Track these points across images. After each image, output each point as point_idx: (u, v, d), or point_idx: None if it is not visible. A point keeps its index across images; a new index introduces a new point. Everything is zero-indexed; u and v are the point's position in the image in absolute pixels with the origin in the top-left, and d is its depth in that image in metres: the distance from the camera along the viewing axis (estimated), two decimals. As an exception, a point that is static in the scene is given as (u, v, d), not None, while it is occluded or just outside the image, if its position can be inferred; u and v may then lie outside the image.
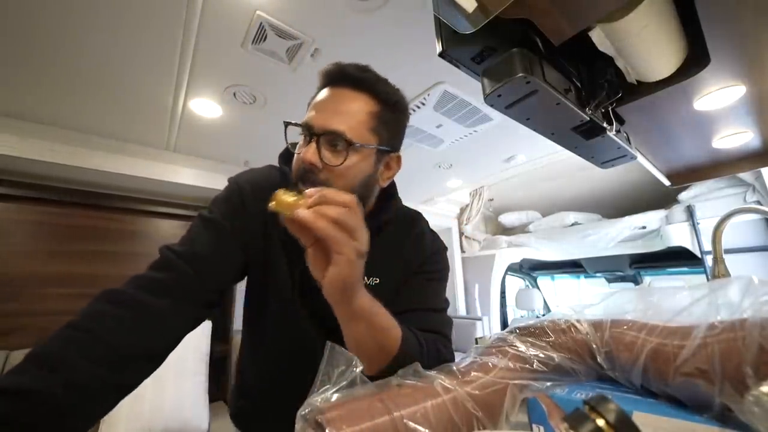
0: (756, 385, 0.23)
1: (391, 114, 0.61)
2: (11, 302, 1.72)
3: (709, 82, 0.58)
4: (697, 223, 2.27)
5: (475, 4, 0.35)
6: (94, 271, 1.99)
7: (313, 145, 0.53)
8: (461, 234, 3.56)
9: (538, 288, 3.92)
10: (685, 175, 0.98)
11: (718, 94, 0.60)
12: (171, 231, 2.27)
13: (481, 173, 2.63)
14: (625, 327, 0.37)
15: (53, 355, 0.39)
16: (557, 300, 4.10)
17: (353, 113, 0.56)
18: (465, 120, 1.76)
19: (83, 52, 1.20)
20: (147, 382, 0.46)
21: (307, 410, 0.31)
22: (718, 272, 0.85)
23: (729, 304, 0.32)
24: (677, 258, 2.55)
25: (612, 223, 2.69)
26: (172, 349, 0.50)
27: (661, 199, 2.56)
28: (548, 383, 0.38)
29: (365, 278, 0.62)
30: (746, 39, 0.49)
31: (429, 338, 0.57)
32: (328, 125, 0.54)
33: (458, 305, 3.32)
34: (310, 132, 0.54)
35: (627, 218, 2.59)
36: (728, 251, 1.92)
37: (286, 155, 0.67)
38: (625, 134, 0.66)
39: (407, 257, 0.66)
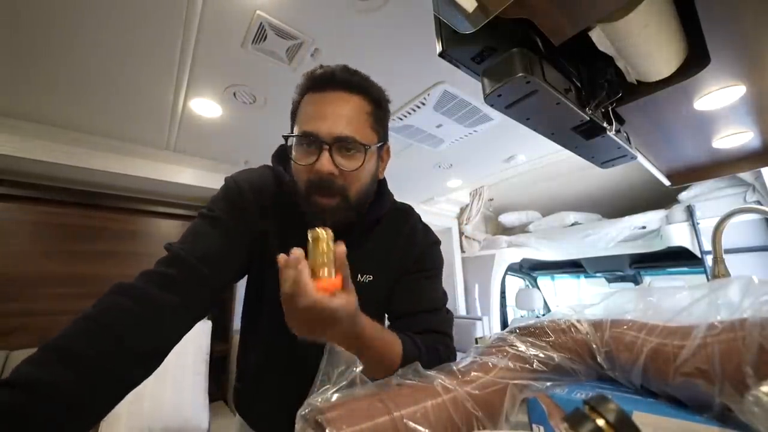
0: (756, 385, 0.23)
1: (382, 111, 0.62)
2: (11, 302, 1.72)
3: (709, 82, 0.58)
4: (697, 223, 2.27)
5: (475, 4, 0.35)
6: (94, 271, 1.99)
7: (327, 154, 0.53)
8: (461, 234, 3.56)
9: (538, 288, 3.92)
10: (685, 175, 0.98)
11: (718, 94, 0.60)
12: (171, 231, 2.27)
13: (481, 173, 2.63)
14: (625, 327, 0.37)
15: (69, 349, 0.40)
16: (557, 300, 4.10)
17: (355, 116, 0.57)
18: (465, 120, 1.76)
19: (83, 52, 1.20)
20: (147, 381, 0.46)
21: (307, 410, 0.32)
22: (718, 272, 0.85)
23: (729, 304, 0.32)
24: (677, 258, 2.54)
25: (612, 223, 2.69)
26: (176, 344, 0.50)
27: (661, 199, 2.56)
28: (548, 383, 0.38)
29: (358, 275, 0.63)
30: (746, 39, 0.49)
31: (429, 341, 0.57)
32: (336, 132, 0.54)
33: (458, 305, 3.32)
34: (318, 141, 0.54)
35: (627, 218, 2.58)
36: (728, 251, 1.92)
37: (280, 155, 0.67)
38: (625, 134, 0.66)
39: (400, 253, 0.66)
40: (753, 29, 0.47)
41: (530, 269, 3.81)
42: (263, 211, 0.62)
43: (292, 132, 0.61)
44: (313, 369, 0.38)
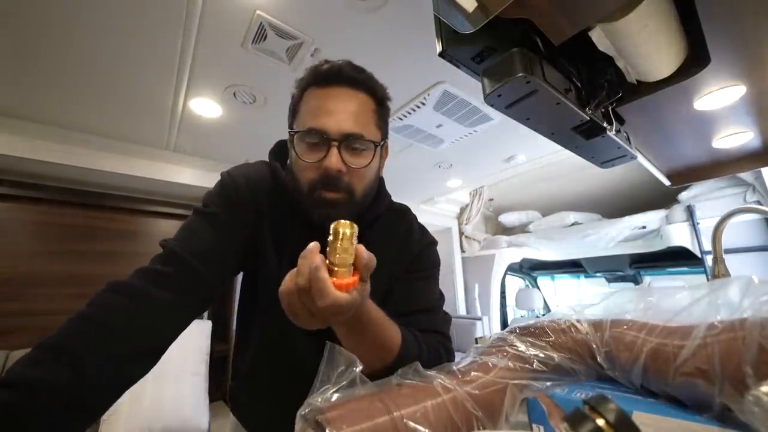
0: (756, 385, 0.23)
1: (385, 109, 0.62)
2: (11, 302, 1.72)
3: (710, 82, 0.58)
4: (697, 223, 2.27)
5: (475, 4, 0.35)
6: (94, 271, 1.99)
7: (335, 151, 0.53)
8: (461, 234, 3.56)
9: (538, 288, 3.92)
10: (685, 175, 0.98)
11: (718, 94, 0.60)
12: (171, 231, 2.24)
13: (481, 173, 2.63)
14: (625, 327, 0.37)
15: (64, 348, 0.39)
16: (557, 300, 4.10)
17: (362, 112, 0.56)
18: (465, 120, 1.76)
19: (83, 52, 1.20)
20: (147, 381, 0.46)
21: (307, 410, 0.31)
22: (718, 272, 0.85)
23: (729, 304, 0.32)
24: (677, 258, 2.54)
25: (612, 223, 2.69)
26: (173, 341, 0.50)
27: (661, 198, 2.56)
28: (548, 383, 0.38)
29: None
30: (746, 39, 0.49)
31: (430, 339, 0.56)
32: (345, 128, 0.53)
33: (458, 305, 3.32)
34: (326, 137, 0.53)
35: (627, 218, 2.58)
36: (728, 251, 1.92)
37: (278, 151, 0.67)
38: (625, 134, 0.66)
39: (397, 253, 0.66)
40: (753, 29, 0.47)
41: (530, 269, 3.81)
42: (259, 207, 0.61)
43: (291, 127, 0.60)
44: (310, 368, 0.38)
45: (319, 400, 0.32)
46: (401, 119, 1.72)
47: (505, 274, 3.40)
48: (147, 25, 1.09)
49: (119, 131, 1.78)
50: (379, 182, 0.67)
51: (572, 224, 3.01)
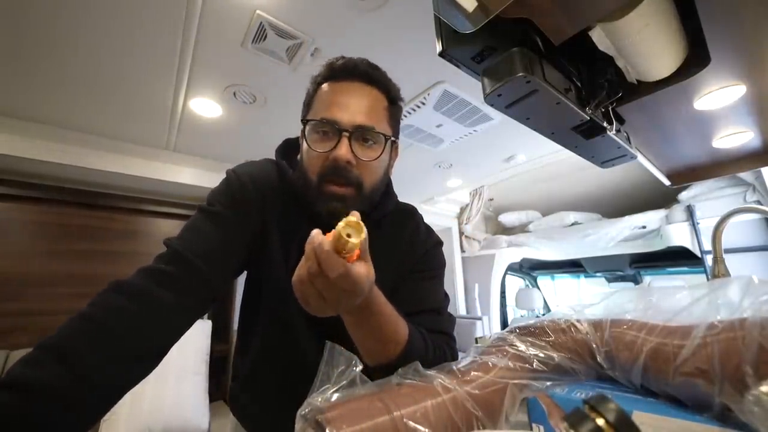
0: (756, 385, 0.23)
1: (397, 108, 0.64)
2: (11, 302, 1.72)
3: (710, 82, 0.58)
4: (697, 223, 2.27)
5: (476, 4, 0.35)
6: (94, 271, 1.99)
7: (346, 141, 0.53)
8: (461, 234, 3.56)
9: (538, 288, 3.92)
10: (685, 175, 0.98)
11: (719, 94, 0.60)
12: (171, 231, 2.26)
13: (481, 173, 2.63)
14: (625, 326, 0.37)
15: (66, 349, 0.39)
16: (557, 300, 4.10)
17: (375, 108, 0.57)
18: (465, 119, 1.76)
19: (83, 51, 1.20)
20: (148, 381, 0.46)
21: (307, 410, 0.31)
22: (718, 272, 0.85)
23: (729, 303, 0.32)
24: (677, 258, 2.54)
25: (612, 222, 2.68)
26: (176, 342, 0.49)
27: (661, 198, 2.56)
28: (548, 383, 0.38)
29: None
30: (747, 38, 0.49)
31: (436, 339, 0.56)
32: (357, 120, 0.54)
33: (458, 305, 3.32)
34: (337, 128, 0.54)
35: (627, 218, 2.58)
36: (728, 251, 1.92)
37: (284, 149, 0.66)
38: (625, 134, 0.66)
39: (403, 252, 0.66)
40: (753, 29, 0.47)
41: (530, 269, 3.81)
42: (264, 204, 0.61)
43: (304, 120, 0.60)
44: (312, 367, 0.38)
45: (319, 399, 0.32)
46: (401, 119, 1.72)
47: (505, 273, 3.40)
48: (147, 24, 1.09)
49: (119, 131, 1.78)
50: (388, 182, 0.67)
51: (572, 224, 3.01)
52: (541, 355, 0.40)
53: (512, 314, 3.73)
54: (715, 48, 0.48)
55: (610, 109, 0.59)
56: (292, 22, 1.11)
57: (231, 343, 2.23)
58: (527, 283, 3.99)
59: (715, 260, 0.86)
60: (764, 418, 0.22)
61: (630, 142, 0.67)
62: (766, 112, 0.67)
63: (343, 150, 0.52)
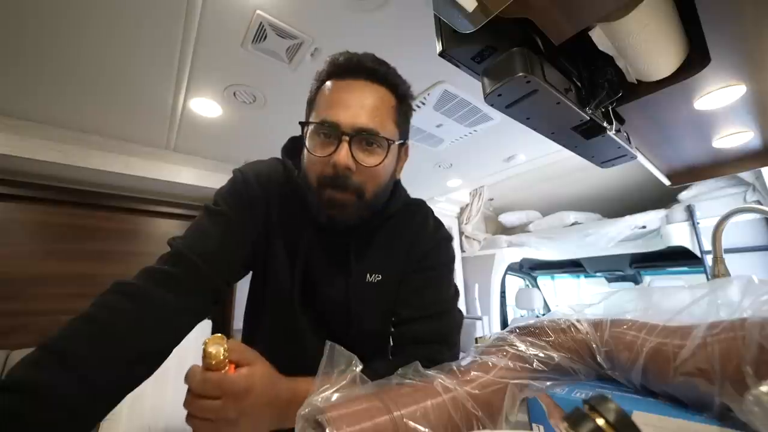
0: (756, 385, 0.23)
1: (406, 106, 0.60)
2: (11, 302, 1.72)
3: (710, 82, 0.58)
4: (697, 223, 2.27)
5: (476, 4, 0.35)
6: (94, 271, 1.99)
7: (346, 146, 0.50)
8: (461, 234, 3.56)
9: (538, 288, 3.92)
10: (685, 175, 0.98)
11: (719, 94, 0.60)
12: (171, 231, 2.27)
13: (481, 173, 2.63)
14: (625, 326, 0.37)
15: (67, 350, 0.39)
16: (557, 300, 4.10)
17: (379, 108, 0.54)
18: (465, 119, 1.76)
19: (83, 51, 1.20)
20: (147, 381, 0.46)
21: (307, 410, 0.31)
22: (718, 272, 0.85)
23: (729, 303, 0.32)
24: (677, 258, 2.54)
25: (612, 222, 2.68)
26: (178, 344, 0.49)
27: (661, 198, 2.55)
28: (548, 383, 0.38)
29: (367, 275, 0.60)
30: (747, 38, 0.49)
31: (418, 353, 0.49)
32: (358, 123, 0.51)
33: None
34: (337, 131, 0.51)
35: (627, 218, 2.58)
36: (728, 251, 1.92)
37: (290, 148, 0.65)
38: (625, 134, 0.66)
39: (408, 248, 0.63)
40: (753, 29, 0.47)
41: (530, 269, 3.81)
42: (269, 203, 0.60)
43: (306, 120, 0.58)
44: (313, 368, 0.37)
45: (319, 399, 0.32)
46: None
47: (505, 273, 3.39)
48: (147, 25, 1.09)
49: (119, 131, 1.78)
50: (395, 183, 0.65)
51: (572, 224, 3.01)
52: (541, 355, 0.39)
53: (512, 314, 3.73)
54: (715, 48, 0.48)
55: (610, 109, 0.59)
56: (292, 22, 1.11)
57: (231, 343, 2.23)
58: (527, 283, 3.99)
59: (715, 260, 0.86)
60: (764, 418, 0.22)
61: (630, 142, 0.67)
62: (766, 111, 0.67)
63: (342, 155, 0.50)
